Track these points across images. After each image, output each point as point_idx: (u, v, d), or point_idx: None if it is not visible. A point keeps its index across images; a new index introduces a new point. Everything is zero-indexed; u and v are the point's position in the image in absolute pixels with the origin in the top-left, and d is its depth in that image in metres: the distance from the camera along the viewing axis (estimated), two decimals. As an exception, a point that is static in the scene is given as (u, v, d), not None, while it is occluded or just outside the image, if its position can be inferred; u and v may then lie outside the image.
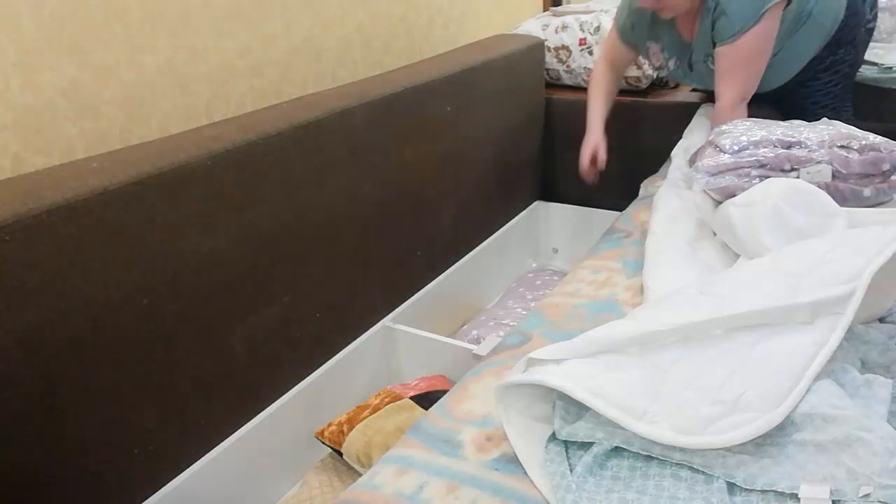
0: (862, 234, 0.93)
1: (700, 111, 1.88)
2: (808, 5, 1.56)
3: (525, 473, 0.82)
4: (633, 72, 2.18)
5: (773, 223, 1.10)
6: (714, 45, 1.57)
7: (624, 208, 1.69)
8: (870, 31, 1.72)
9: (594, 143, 1.89)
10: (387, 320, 1.71)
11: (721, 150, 1.25)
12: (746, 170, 1.20)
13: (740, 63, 1.53)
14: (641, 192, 1.79)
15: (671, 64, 1.78)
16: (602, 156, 1.88)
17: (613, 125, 2.19)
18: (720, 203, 1.24)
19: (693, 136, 1.75)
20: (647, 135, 2.11)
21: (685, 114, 1.96)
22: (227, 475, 1.32)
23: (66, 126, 1.26)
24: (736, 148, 1.22)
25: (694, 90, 2.14)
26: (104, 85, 1.31)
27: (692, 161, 1.44)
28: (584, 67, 2.25)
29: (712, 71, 1.60)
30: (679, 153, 1.68)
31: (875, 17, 1.72)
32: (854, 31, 1.66)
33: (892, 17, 2.14)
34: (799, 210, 1.09)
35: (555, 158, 2.35)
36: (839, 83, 1.71)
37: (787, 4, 1.52)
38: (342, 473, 1.47)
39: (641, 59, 2.15)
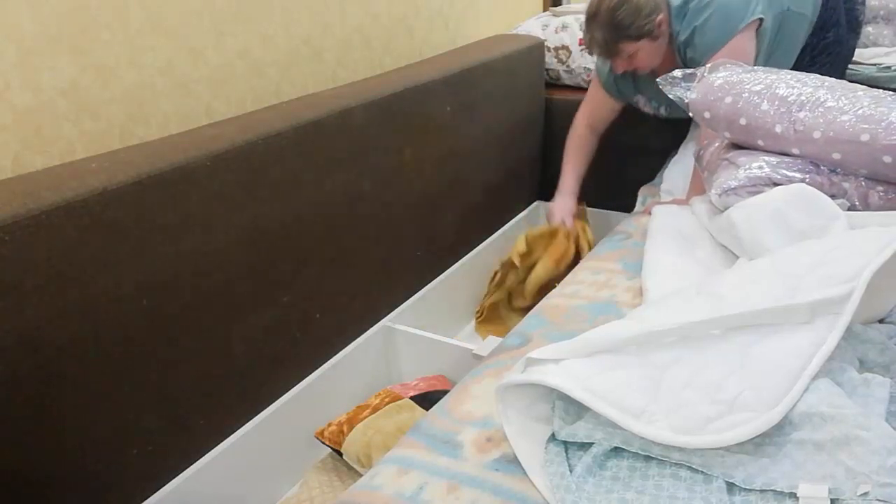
0: (861, 235, 0.93)
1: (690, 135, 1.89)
2: (783, 5, 1.57)
3: (525, 474, 0.82)
4: (632, 72, 2.18)
5: (775, 225, 1.10)
6: None
7: (624, 209, 1.70)
8: (854, 14, 1.71)
9: (564, 210, 1.91)
10: (387, 320, 1.71)
11: (737, 167, 1.24)
12: (761, 187, 1.20)
13: None
14: (639, 199, 1.80)
15: (662, 110, 1.80)
16: (570, 224, 1.90)
17: (614, 125, 2.19)
18: (721, 211, 1.24)
19: (687, 153, 1.76)
20: (647, 135, 2.11)
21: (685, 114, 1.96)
22: (227, 475, 1.32)
23: (66, 126, 1.26)
24: (752, 168, 1.21)
25: None
26: (104, 85, 1.31)
27: (701, 159, 1.43)
28: (584, 67, 2.25)
29: None
30: (670, 170, 1.70)
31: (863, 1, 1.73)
32: (837, 13, 1.66)
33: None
34: (800, 212, 1.09)
35: (555, 158, 2.34)
36: (834, 65, 1.71)
37: (760, 25, 1.52)
38: (342, 473, 1.47)
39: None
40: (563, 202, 1.93)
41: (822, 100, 1.16)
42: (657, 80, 1.42)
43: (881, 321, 0.96)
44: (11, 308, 0.95)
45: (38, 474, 1.03)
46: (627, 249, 1.40)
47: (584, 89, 2.30)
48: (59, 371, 1.03)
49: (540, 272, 1.90)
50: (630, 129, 2.16)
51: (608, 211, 2.21)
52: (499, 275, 1.99)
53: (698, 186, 1.50)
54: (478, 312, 2.03)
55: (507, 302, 2.04)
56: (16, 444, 0.99)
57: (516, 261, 1.92)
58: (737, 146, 1.31)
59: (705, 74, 1.33)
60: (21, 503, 1.02)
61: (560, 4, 2.83)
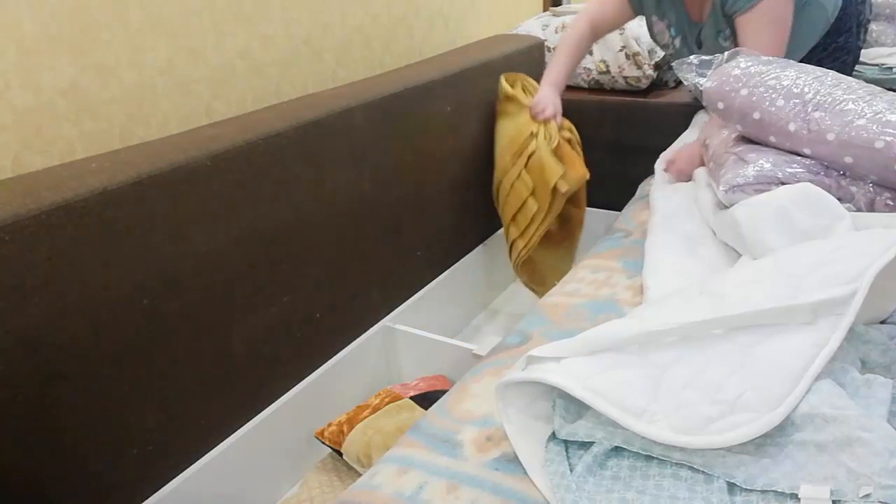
0: (865, 236, 0.93)
1: (696, 118, 1.88)
2: None
3: (525, 473, 0.82)
4: (633, 72, 2.18)
5: (779, 224, 1.09)
6: (727, 19, 1.55)
7: (623, 208, 1.69)
8: (862, 23, 1.71)
9: (557, 106, 1.79)
10: (387, 320, 1.71)
11: (745, 163, 1.23)
12: (768, 185, 1.19)
13: (763, 30, 1.50)
14: (639, 191, 1.79)
15: (677, 42, 1.75)
16: (559, 121, 1.80)
17: (614, 125, 2.19)
18: (726, 207, 1.24)
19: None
20: (647, 135, 2.11)
21: (685, 114, 1.96)
22: (227, 475, 1.32)
23: (66, 126, 1.26)
24: (761, 166, 1.20)
25: None
26: (104, 85, 1.31)
27: (707, 148, 1.43)
28: (584, 67, 2.25)
29: (724, 48, 1.59)
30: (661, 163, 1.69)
31: (870, 10, 1.73)
32: (851, 20, 1.66)
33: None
34: (805, 211, 1.09)
35: (555, 158, 2.34)
36: (842, 71, 1.71)
37: None
38: (342, 473, 1.47)
39: (641, 59, 2.15)
40: (552, 94, 1.81)
41: (838, 101, 1.14)
42: (673, 63, 1.41)
43: (883, 322, 0.95)
44: (11, 308, 0.95)
45: (38, 474, 1.03)
46: (627, 248, 1.40)
47: (584, 89, 2.31)
48: (59, 371, 1.02)
49: (572, 185, 1.80)
50: (630, 129, 2.17)
51: (608, 211, 2.21)
52: (536, 212, 1.81)
53: (697, 155, 1.49)
54: (522, 250, 1.87)
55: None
56: (16, 444, 0.99)
57: (563, 188, 1.76)
58: (747, 140, 1.30)
59: (723, 63, 1.31)
60: (21, 503, 1.02)
61: (560, 4, 2.83)
